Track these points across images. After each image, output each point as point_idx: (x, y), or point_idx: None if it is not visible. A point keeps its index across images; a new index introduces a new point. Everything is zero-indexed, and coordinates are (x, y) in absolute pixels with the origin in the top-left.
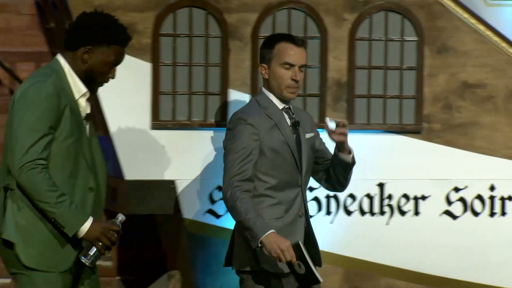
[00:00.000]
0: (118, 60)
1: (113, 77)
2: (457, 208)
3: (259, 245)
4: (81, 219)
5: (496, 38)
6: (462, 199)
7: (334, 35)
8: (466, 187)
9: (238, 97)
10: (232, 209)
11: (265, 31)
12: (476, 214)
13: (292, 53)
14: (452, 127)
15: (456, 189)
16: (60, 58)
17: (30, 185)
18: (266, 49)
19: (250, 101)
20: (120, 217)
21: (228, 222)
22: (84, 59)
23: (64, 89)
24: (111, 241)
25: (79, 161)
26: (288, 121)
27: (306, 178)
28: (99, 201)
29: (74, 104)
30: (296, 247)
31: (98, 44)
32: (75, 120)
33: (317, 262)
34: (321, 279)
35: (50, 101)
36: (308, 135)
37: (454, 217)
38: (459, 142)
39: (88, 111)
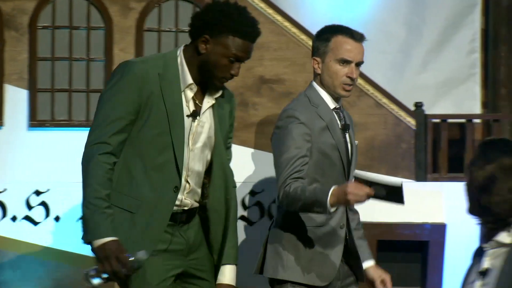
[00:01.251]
0: (240, 56)
1: (236, 74)
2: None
3: (330, 208)
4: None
5: (294, 30)
6: (259, 203)
7: (120, 25)
8: (263, 190)
9: (14, 92)
10: (289, 205)
11: (44, 21)
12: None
13: (350, 48)
14: (247, 126)
15: (252, 193)
16: (180, 47)
17: (86, 164)
18: (320, 41)
19: (300, 96)
20: (140, 254)
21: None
22: (200, 49)
23: (161, 75)
24: (116, 270)
25: (167, 157)
26: (339, 122)
27: None
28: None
29: (172, 94)
30: (359, 180)
31: (217, 34)
32: (168, 111)
33: (360, 276)
34: (401, 184)
35: (131, 83)
36: (356, 142)
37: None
38: (256, 142)
39: (193, 108)
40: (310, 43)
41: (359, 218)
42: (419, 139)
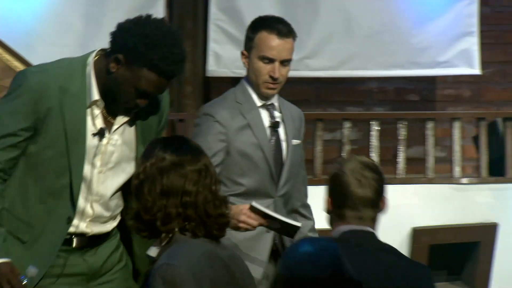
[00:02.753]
0: (150, 91)
1: (141, 106)
2: None
3: None
4: None
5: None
6: None
7: None
8: None
9: None
10: None
11: None
12: None
13: (273, 46)
14: None
15: None
16: (94, 53)
17: None
18: (248, 35)
19: (227, 92)
20: (31, 271)
21: None
22: (110, 67)
23: (62, 88)
24: None
25: (63, 182)
26: (266, 120)
27: (287, 189)
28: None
29: (74, 110)
30: (252, 209)
31: (132, 60)
32: (67, 130)
33: None
34: (299, 224)
35: (26, 97)
36: (294, 142)
37: None
38: None
39: (100, 126)
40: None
41: (312, 224)
42: None
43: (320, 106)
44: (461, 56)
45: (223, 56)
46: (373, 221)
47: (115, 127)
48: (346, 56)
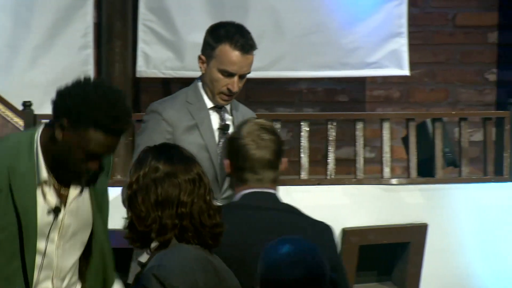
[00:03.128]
0: (100, 152)
1: (94, 170)
2: None
3: None
4: None
5: None
6: None
7: None
8: None
9: None
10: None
11: None
12: None
13: (235, 61)
14: None
15: None
16: (40, 128)
17: None
18: (208, 42)
19: (179, 91)
20: None
21: None
22: (56, 134)
23: (11, 167)
24: None
25: (15, 265)
26: (216, 122)
27: (230, 193)
28: None
29: (24, 190)
30: None
31: (77, 122)
32: (20, 212)
33: None
34: None
35: None
36: None
37: None
38: None
39: (54, 201)
40: None
41: None
42: None
43: (250, 106)
44: (390, 57)
45: (153, 56)
46: (273, 183)
47: (70, 198)
48: (276, 57)
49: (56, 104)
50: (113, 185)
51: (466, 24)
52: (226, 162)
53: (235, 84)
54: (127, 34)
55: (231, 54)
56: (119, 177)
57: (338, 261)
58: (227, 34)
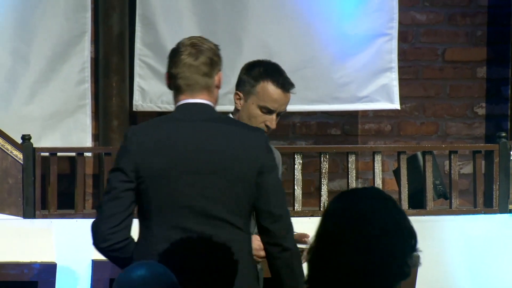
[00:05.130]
0: None
1: None
2: None
3: None
4: None
5: None
6: None
7: None
8: None
9: None
10: None
11: None
12: None
13: (276, 99)
14: None
15: None
16: None
17: None
18: (248, 78)
19: None
20: None
21: None
22: None
23: None
24: None
25: None
26: None
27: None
28: None
29: None
30: None
31: None
32: None
33: None
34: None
35: None
36: None
37: None
38: None
39: None
40: None
41: None
42: (27, 174)
43: None
44: (381, 91)
45: (149, 91)
46: (208, 93)
47: None
48: None
49: None
50: None
51: (455, 59)
52: (166, 74)
53: (273, 121)
54: (124, 69)
55: (273, 92)
56: None
57: (269, 163)
58: (268, 72)
